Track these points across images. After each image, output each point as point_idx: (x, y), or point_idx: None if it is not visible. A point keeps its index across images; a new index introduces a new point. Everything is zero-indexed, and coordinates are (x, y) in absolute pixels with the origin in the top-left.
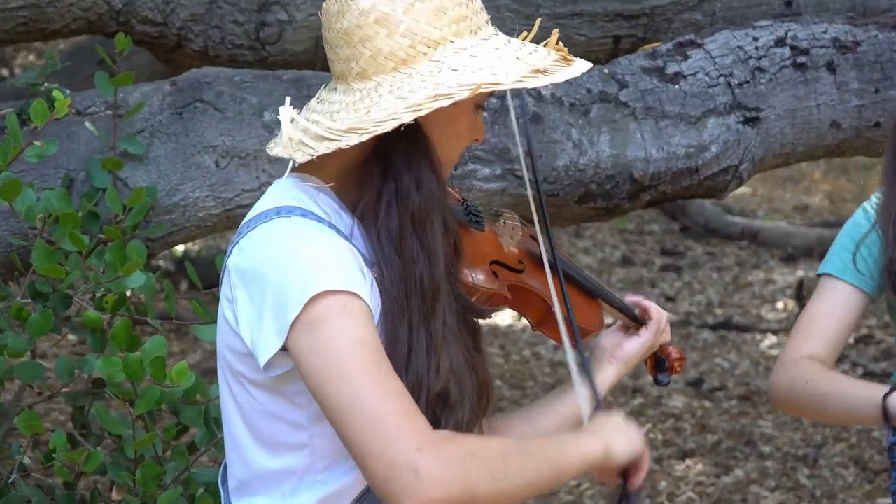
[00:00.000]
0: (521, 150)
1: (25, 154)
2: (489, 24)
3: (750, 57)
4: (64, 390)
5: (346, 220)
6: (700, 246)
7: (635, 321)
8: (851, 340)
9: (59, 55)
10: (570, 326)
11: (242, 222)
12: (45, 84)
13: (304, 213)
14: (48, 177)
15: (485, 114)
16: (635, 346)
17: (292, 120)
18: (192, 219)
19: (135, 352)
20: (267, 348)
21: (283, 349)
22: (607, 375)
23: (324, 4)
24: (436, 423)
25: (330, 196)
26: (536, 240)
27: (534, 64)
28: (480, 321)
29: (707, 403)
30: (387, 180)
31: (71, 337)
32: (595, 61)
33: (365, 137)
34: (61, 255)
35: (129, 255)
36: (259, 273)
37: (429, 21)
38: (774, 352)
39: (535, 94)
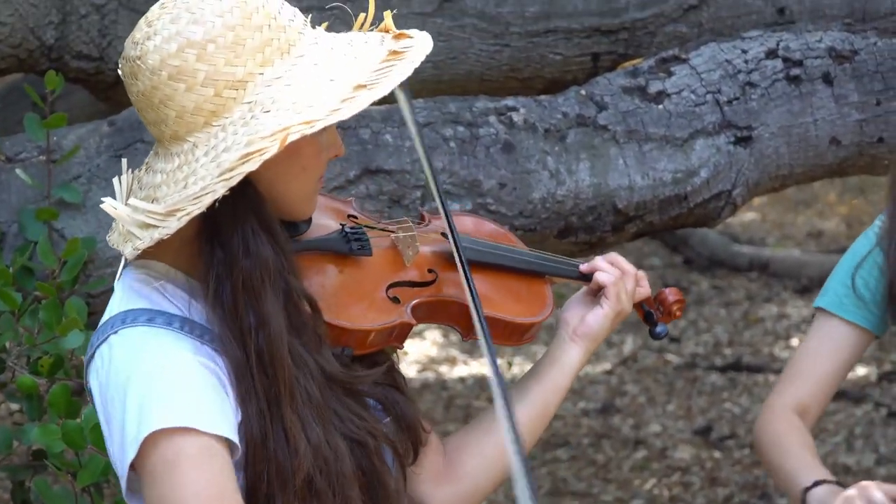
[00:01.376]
0: (414, 132)
1: None
2: (307, 29)
3: (739, 71)
4: (1, 463)
5: (199, 307)
6: (705, 280)
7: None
8: (874, 378)
9: None
10: (488, 341)
11: (97, 327)
12: None
13: (151, 319)
14: None
15: (451, 144)
16: (598, 318)
17: (117, 209)
18: None
19: (75, 418)
20: (121, 479)
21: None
22: (571, 357)
23: (119, 64)
24: None
25: (177, 283)
26: (446, 236)
27: (352, 80)
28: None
29: (717, 454)
30: (215, 250)
31: (13, 405)
32: (573, 81)
33: (185, 220)
34: None
35: (67, 313)
36: (107, 401)
37: (228, 61)
38: None
39: (507, 121)
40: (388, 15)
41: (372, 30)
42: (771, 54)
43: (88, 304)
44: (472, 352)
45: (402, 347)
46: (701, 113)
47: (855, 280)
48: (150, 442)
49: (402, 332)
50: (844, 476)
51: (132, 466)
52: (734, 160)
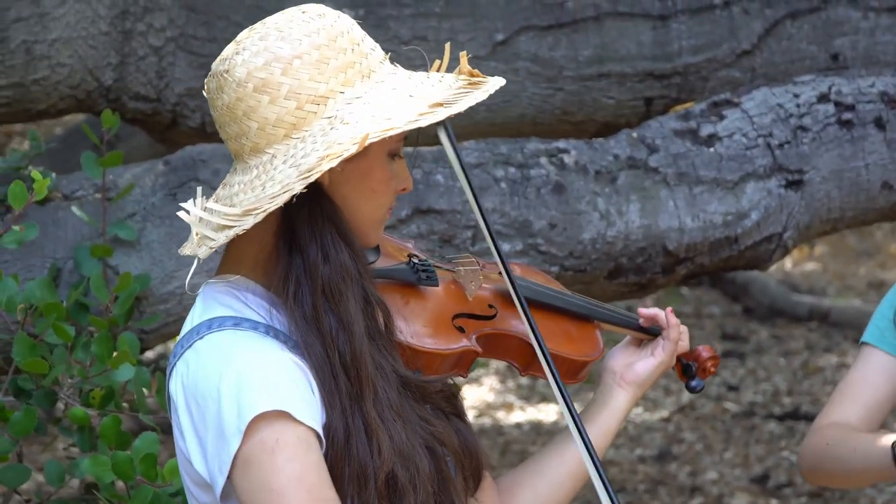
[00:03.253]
0: (462, 179)
1: (3, 240)
2: (386, 62)
3: (791, 115)
4: (53, 497)
5: (281, 317)
6: (765, 329)
7: (645, 332)
8: None
9: (52, 138)
10: (552, 367)
11: (178, 339)
12: (30, 167)
13: (238, 323)
14: (35, 266)
15: (502, 185)
16: (648, 367)
17: (190, 213)
18: (189, 308)
19: (125, 450)
20: (218, 480)
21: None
22: (619, 402)
23: (205, 82)
24: None
25: (257, 293)
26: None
27: (431, 98)
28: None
29: (774, 501)
30: (293, 256)
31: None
32: (626, 125)
33: (261, 217)
34: (45, 348)
35: (120, 347)
36: (197, 400)
37: (312, 77)
38: None
39: (558, 162)
40: (463, 56)
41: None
42: (823, 98)
43: (141, 339)
44: (529, 397)
45: (465, 376)
46: (752, 156)
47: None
48: (252, 429)
49: (466, 361)
50: None
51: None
52: (785, 203)
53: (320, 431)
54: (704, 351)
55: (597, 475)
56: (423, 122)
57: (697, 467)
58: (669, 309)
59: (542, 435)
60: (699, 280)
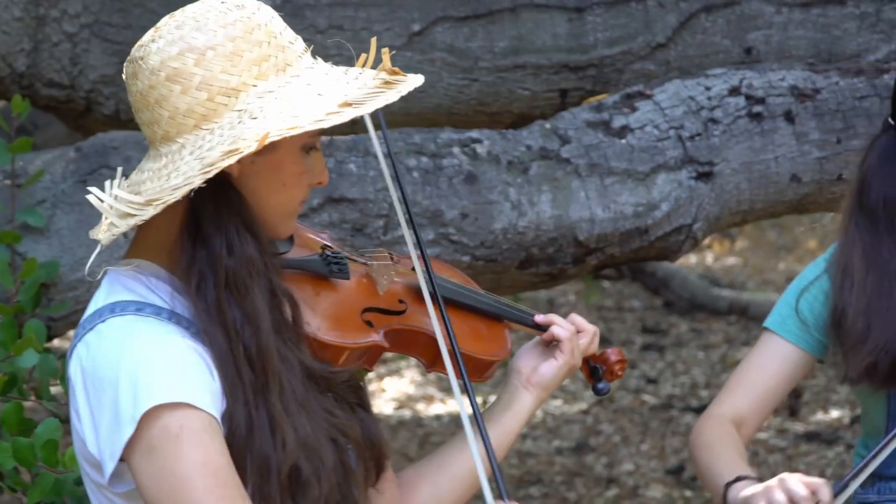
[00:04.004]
0: (383, 165)
1: None
2: (307, 55)
3: (702, 108)
4: None
5: (185, 301)
6: (685, 322)
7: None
8: (846, 420)
9: None
10: (459, 369)
11: (81, 321)
12: None
13: (140, 308)
14: None
15: (415, 174)
16: (552, 369)
17: (101, 200)
18: None
19: (28, 437)
20: (108, 465)
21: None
22: (523, 403)
23: (124, 66)
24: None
25: (163, 278)
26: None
27: (341, 97)
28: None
29: (688, 493)
30: (197, 247)
31: None
32: (542, 116)
33: (160, 207)
34: None
35: (26, 334)
36: (95, 384)
37: (224, 69)
38: (764, 435)
39: (471, 152)
40: (385, 53)
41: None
42: (734, 91)
43: (49, 327)
44: (450, 389)
45: (371, 370)
46: (663, 148)
47: (799, 303)
48: (150, 417)
49: (373, 355)
50: None
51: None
52: (695, 195)
53: (219, 419)
54: (613, 354)
55: (485, 475)
56: (329, 123)
57: (614, 459)
58: (573, 315)
59: (462, 427)
60: (621, 273)
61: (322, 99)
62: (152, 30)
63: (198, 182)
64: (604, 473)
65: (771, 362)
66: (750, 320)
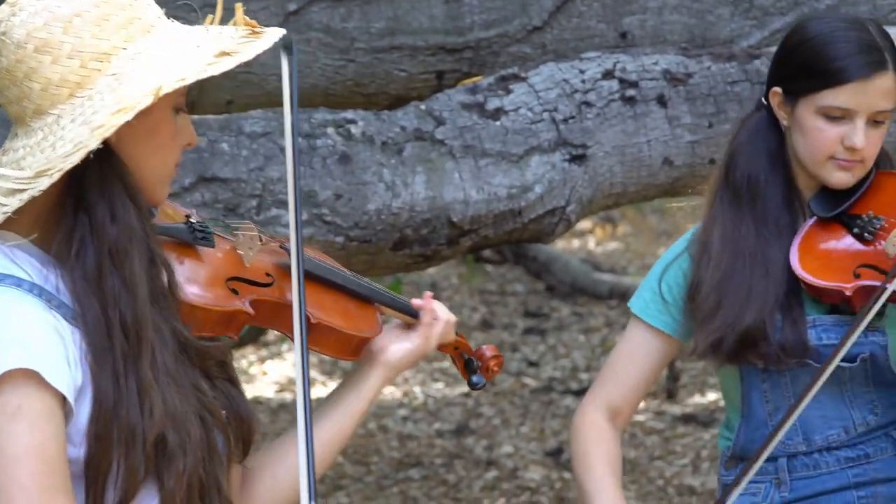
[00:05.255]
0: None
1: None
2: (163, 17)
3: (576, 90)
4: None
5: (50, 277)
6: (566, 306)
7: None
8: (723, 403)
9: None
10: (303, 337)
11: None
12: None
13: (0, 279)
14: None
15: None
16: (401, 350)
17: None
18: None
19: None
20: None
21: None
22: (369, 382)
23: None
24: (158, 475)
25: (29, 251)
26: (287, 250)
27: (217, 48)
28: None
29: (566, 475)
30: (79, 215)
31: None
32: (418, 98)
33: (56, 177)
34: None
35: None
36: None
37: (93, 34)
38: (641, 417)
39: (345, 133)
40: (238, 8)
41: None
42: (607, 75)
43: None
44: (332, 373)
45: (236, 339)
46: (537, 130)
47: (661, 284)
48: None
49: (238, 322)
50: (689, 497)
51: None
52: (568, 177)
53: (69, 396)
54: (488, 350)
55: (305, 460)
56: (214, 71)
57: (494, 441)
58: (428, 294)
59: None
60: (503, 258)
61: (200, 51)
62: (6, 5)
63: (94, 144)
64: (483, 456)
65: (638, 351)
66: None
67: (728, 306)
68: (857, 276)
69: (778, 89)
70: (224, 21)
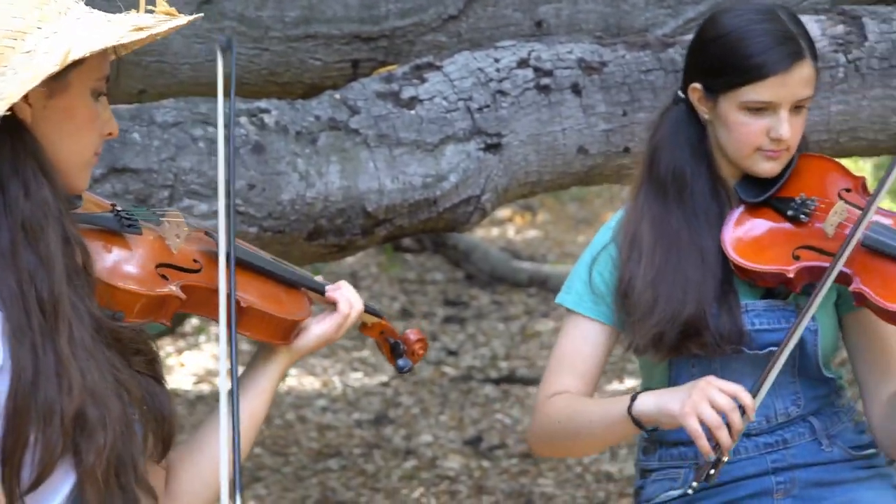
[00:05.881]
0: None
1: None
2: (81, 2)
3: (491, 79)
4: None
5: None
6: (486, 295)
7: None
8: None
9: None
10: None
11: None
12: None
13: None
14: None
15: (200, 144)
16: (311, 334)
17: None
18: None
19: None
20: None
21: None
22: (274, 363)
23: None
24: (76, 452)
25: None
26: (214, 238)
27: (131, 23)
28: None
29: (486, 463)
30: None
31: None
32: (334, 87)
33: None
34: None
35: None
36: None
37: (7, 11)
38: None
39: (258, 122)
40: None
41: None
42: (522, 64)
43: None
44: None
45: (169, 325)
46: (452, 119)
47: (592, 275)
48: None
49: (169, 308)
50: (607, 483)
51: None
52: (483, 166)
53: None
54: (413, 334)
55: (230, 444)
56: (125, 40)
57: (413, 430)
58: (339, 283)
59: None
60: (423, 246)
61: (112, 25)
62: None
63: (1, 109)
64: (402, 445)
65: (583, 344)
66: (549, 292)
67: (666, 300)
68: (797, 258)
69: (697, 85)
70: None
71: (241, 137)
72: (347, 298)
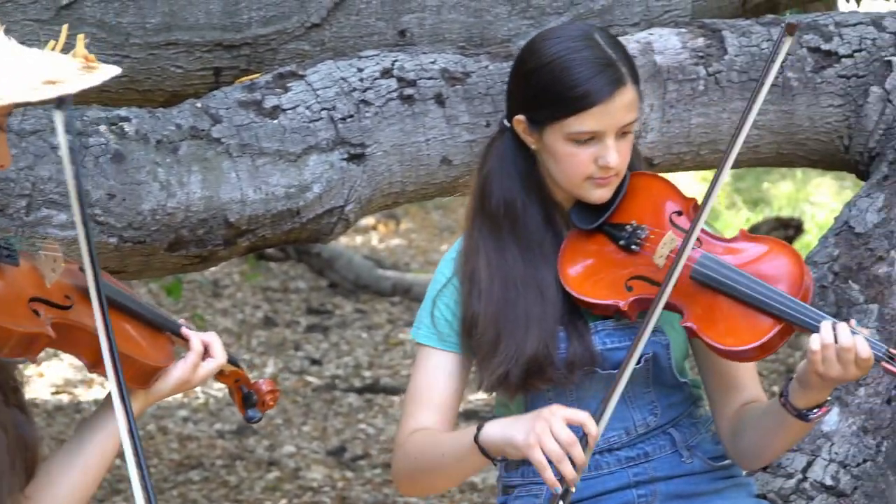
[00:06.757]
0: (68, 170)
1: None
2: (2, 34)
3: (354, 89)
4: None
5: None
6: (350, 303)
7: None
8: None
9: None
10: (116, 369)
11: None
12: None
13: None
14: None
15: (59, 153)
16: (168, 380)
17: None
18: None
19: None
20: None
21: None
22: (135, 405)
23: None
24: None
25: None
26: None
27: (44, 75)
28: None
29: (349, 473)
30: None
31: None
32: (195, 95)
33: None
34: None
35: None
36: None
37: None
38: None
39: (118, 131)
40: (80, 39)
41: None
42: (386, 73)
43: None
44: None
45: (35, 361)
46: (315, 129)
47: (439, 309)
48: None
49: (38, 345)
50: (471, 493)
51: None
52: (347, 177)
53: None
54: (265, 384)
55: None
56: (36, 97)
57: (276, 441)
58: (214, 336)
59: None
60: (286, 254)
61: (27, 73)
62: None
63: None
64: (265, 456)
65: (436, 376)
66: (413, 301)
67: (508, 338)
68: (630, 289)
69: (521, 117)
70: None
71: (101, 146)
72: (201, 339)
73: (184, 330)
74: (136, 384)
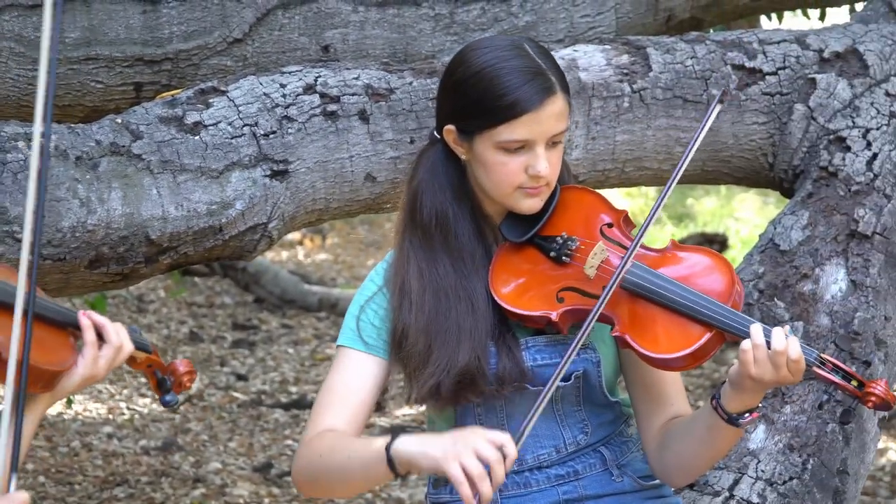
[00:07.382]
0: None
1: None
2: None
3: (277, 105)
4: None
5: None
6: (275, 318)
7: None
8: None
9: None
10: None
11: None
12: None
13: None
14: None
15: None
16: (73, 377)
17: None
18: None
19: None
20: None
21: None
22: (39, 409)
23: None
24: None
25: None
26: None
27: None
28: None
29: (276, 490)
30: None
31: None
32: (116, 111)
33: None
34: None
35: None
36: None
37: None
38: None
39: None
40: None
41: None
42: (309, 89)
43: None
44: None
45: None
46: (238, 145)
47: (364, 320)
48: None
49: None
50: None
51: None
52: (270, 193)
53: None
54: (181, 365)
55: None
56: None
57: (202, 458)
58: (81, 312)
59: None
60: (212, 270)
61: None
62: None
63: None
64: (191, 473)
65: (352, 377)
66: (340, 316)
67: (440, 349)
68: (561, 301)
69: (451, 127)
70: None
71: (19, 162)
72: (94, 325)
73: (81, 321)
74: (40, 390)
